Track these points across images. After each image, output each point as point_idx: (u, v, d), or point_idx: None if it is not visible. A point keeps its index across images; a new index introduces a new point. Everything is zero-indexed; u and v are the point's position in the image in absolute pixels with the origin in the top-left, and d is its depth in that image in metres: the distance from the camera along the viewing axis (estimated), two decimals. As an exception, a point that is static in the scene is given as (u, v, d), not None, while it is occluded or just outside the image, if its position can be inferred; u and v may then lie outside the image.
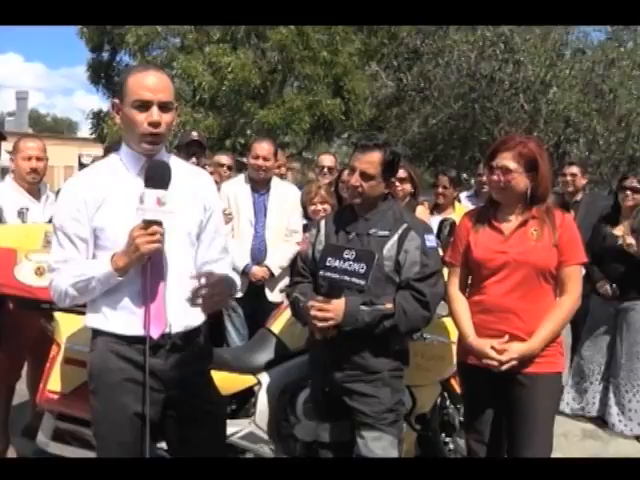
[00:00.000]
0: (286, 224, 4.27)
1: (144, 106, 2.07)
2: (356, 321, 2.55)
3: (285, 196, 4.34)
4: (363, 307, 2.56)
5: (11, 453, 3.58)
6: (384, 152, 2.67)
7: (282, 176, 5.26)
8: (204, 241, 2.32)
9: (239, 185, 4.31)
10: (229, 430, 3.06)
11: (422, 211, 4.90)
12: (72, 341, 2.71)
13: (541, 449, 2.56)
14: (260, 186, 4.27)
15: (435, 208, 5.13)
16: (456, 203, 5.13)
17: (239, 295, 4.19)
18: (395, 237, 2.64)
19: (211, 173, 4.28)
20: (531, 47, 13.51)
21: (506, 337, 2.56)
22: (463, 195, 5.82)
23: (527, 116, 14.18)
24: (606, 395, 4.59)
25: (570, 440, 4.39)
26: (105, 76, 14.71)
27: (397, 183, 4.73)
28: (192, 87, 11.97)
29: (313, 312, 2.60)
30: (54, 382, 2.79)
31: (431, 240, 2.68)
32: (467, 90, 14.50)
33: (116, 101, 2.15)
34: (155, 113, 2.07)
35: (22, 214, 3.36)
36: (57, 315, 2.82)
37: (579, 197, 5.20)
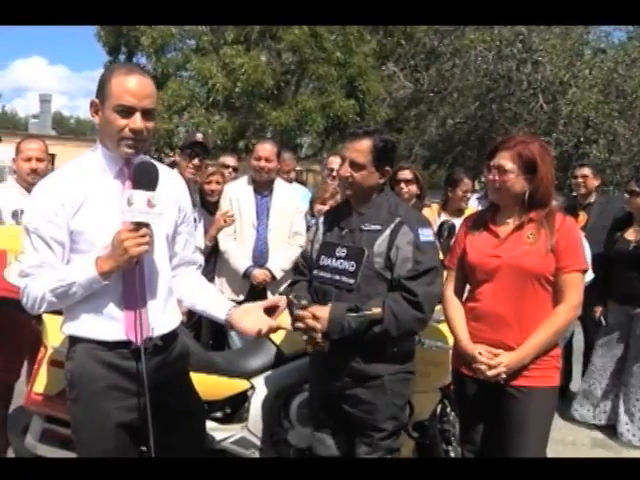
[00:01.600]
0: (289, 226, 4.23)
1: (127, 112, 2.00)
2: (342, 328, 2.44)
3: (288, 198, 4.30)
4: (349, 313, 2.44)
5: (10, 454, 3.58)
6: (374, 139, 2.54)
7: (291, 181, 5.21)
8: (179, 242, 2.31)
9: (242, 186, 4.28)
10: (221, 435, 3.04)
11: (428, 213, 4.84)
12: (59, 343, 2.69)
13: None
14: (263, 188, 4.24)
15: (444, 208, 5.04)
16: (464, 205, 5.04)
17: (241, 298, 4.18)
18: (387, 232, 2.51)
19: (213, 174, 4.28)
20: (550, 47, 13.35)
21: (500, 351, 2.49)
22: (473, 197, 5.74)
23: (546, 117, 14.01)
24: (617, 403, 4.48)
25: (579, 449, 4.29)
26: (122, 78, 14.83)
27: (402, 184, 4.71)
28: (206, 89, 12.02)
29: (299, 325, 2.53)
30: (40, 384, 2.76)
31: (426, 234, 2.53)
32: (484, 91, 14.38)
33: (96, 101, 2.07)
34: (138, 120, 2.01)
35: (16, 215, 3.36)
36: (45, 317, 2.79)
37: (592, 199, 5.13)
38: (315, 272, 2.65)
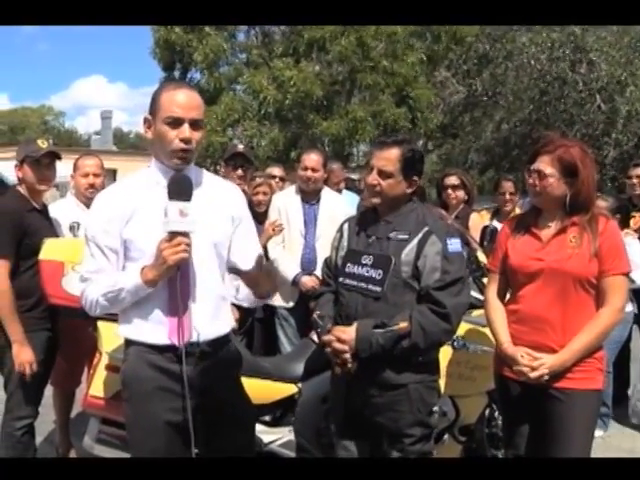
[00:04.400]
0: (336, 234, 4.27)
1: (176, 123, 2.13)
2: (370, 345, 2.43)
3: (335, 205, 4.34)
4: (376, 330, 2.43)
5: (72, 456, 3.75)
6: (403, 149, 2.53)
7: (340, 191, 5.27)
8: (235, 252, 2.36)
9: (289, 196, 4.35)
10: (269, 438, 3.13)
11: (476, 219, 4.81)
12: (113, 349, 2.82)
13: None
14: (310, 197, 4.30)
15: (496, 215, 5.02)
16: (516, 209, 5.00)
17: (290, 305, 4.26)
18: (415, 241, 2.48)
19: (260, 184, 4.38)
20: (606, 45, 13.01)
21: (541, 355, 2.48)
22: (527, 200, 5.66)
23: (604, 117, 13.64)
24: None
25: (637, 456, 4.15)
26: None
27: (450, 190, 4.71)
28: (258, 101, 12.24)
29: (327, 349, 2.53)
30: (96, 388, 2.92)
31: (454, 245, 2.49)
32: (537, 93, 14.12)
33: (148, 117, 2.21)
34: (187, 130, 2.13)
35: (73, 228, 3.54)
36: (99, 324, 2.95)
37: (648, 200, 4.97)
38: (341, 279, 2.63)
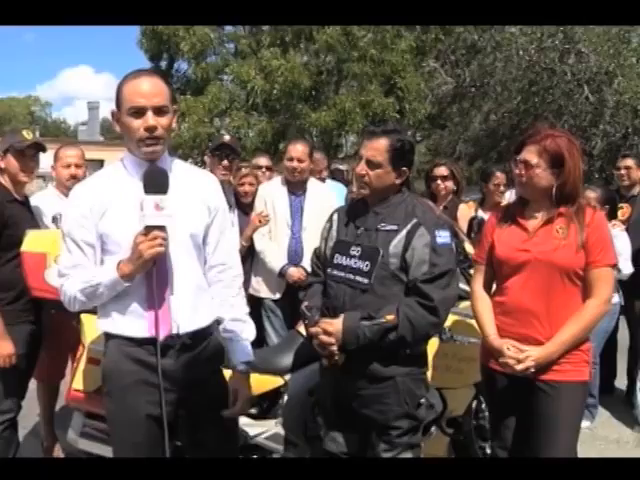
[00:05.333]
0: (323, 225, 4.25)
1: (139, 112, 2.09)
2: (357, 338, 2.41)
3: (322, 197, 4.32)
4: (363, 322, 2.41)
5: (57, 450, 3.72)
6: (392, 139, 2.49)
7: (324, 180, 5.27)
8: (210, 243, 2.33)
9: (275, 187, 4.33)
10: (255, 431, 3.10)
11: (465, 209, 4.80)
12: (95, 342, 2.78)
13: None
14: (296, 187, 4.27)
15: (481, 205, 5.00)
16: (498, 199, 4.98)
17: (277, 297, 4.23)
18: (403, 232, 2.45)
19: (246, 175, 4.34)
20: (594, 36, 13.01)
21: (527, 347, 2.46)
22: (512, 191, 5.66)
23: (592, 108, 13.65)
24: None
25: (623, 447, 4.18)
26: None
27: (439, 181, 4.69)
28: (245, 91, 12.16)
29: (315, 342, 2.53)
30: (79, 381, 2.88)
31: (443, 237, 2.45)
32: (527, 84, 14.11)
33: (115, 110, 2.18)
34: (150, 118, 2.09)
35: (56, 220, 3.48)
36: (82, 316, 2.91)
37: (636, 191, 5.00)
38: (329, 270, 2.61)
